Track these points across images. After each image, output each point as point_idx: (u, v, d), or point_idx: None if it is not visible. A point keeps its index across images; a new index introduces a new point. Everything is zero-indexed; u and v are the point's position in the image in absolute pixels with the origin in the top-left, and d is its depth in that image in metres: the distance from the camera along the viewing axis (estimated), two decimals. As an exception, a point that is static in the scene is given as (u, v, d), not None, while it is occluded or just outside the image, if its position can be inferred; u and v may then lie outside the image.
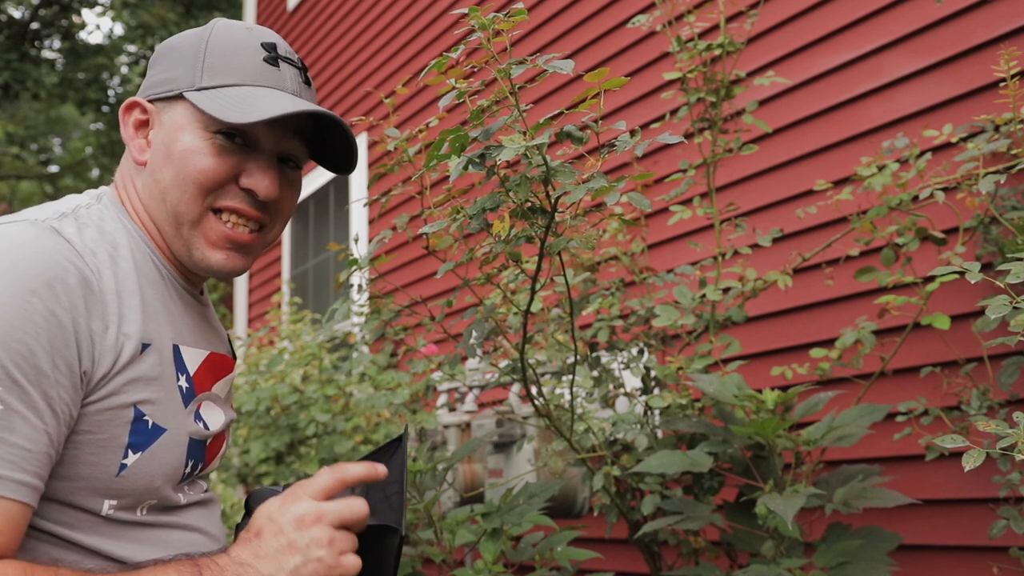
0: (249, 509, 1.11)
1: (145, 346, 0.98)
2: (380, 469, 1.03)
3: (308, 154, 1.15)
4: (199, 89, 1.05)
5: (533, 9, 3.85)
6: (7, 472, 0.86)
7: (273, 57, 1.09)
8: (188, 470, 1.05)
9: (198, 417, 1.06)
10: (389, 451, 1.10)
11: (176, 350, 1.04)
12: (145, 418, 0.97)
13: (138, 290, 1.00)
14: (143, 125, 1.09)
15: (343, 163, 1.16)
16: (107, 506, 0.96)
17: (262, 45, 1.09)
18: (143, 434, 0.97)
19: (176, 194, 1.05)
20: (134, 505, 0.99)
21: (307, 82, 1.13)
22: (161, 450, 0.99)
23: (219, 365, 1.12)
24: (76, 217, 1.00)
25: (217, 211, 1.07)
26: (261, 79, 1.07)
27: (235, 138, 1.05)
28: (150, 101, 1.09)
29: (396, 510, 1.06)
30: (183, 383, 1.04)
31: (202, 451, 1.07)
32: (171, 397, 1.01)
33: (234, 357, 1.21)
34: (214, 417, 1.10)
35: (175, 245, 1.07)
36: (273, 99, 1.05)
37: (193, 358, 1.07)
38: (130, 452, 0.96)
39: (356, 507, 0.99)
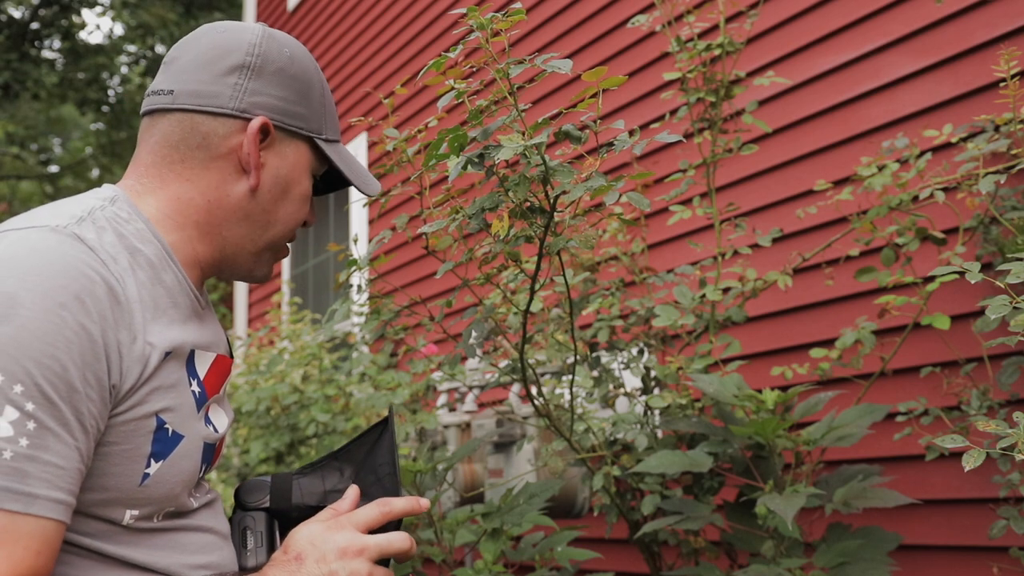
0: (240, 501, 1.11)
1: (167, 354, 0.97)
2: (424, 503, 1.08)
3: None
4: (326, 140, 1.12)
5: (533, 9, 3.85)
6: (43, 491, 0.85)
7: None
8: (201, 474, 1.05)
9: (208, 421, 1.06)
10: (376, 433, 1.11)
11: (190, 355, 1.03)
12: (166, 426, 0.97)
13: (156, 296, 0.99)
14: (260, 143, 1.07)
15: (332, 188, 1.23)
16: (128, 516, 0.96)
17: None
18: (164, 442, 0.97)
19: (283, 230, 1.11)
20: (153, 513, 0.99)
21: None
22: (180, 457, 0.99)
23: (224, 367, 1.12)
24: (93, 220, 0.97)
25: None
26: (338, 133, 1.17)
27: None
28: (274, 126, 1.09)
29: (390, 490, 1.08)
30: (195, 388, 1.03)
31: (212, 453, 1.07)
32: (187, 403, 1.01)
33: (232, 357, 1.21)
34: (220, 419, 1.10)
35: (244, 261, 1.11)
36: (359, 165, 1.17)
37: (203, 362, 1.06)
38: (152, 461, 0.96)
39: (397, 542, 1.03)
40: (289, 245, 1.17)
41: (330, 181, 1.20)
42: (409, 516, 1.06)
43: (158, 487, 0.97)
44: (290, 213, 1.11)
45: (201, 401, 1.04)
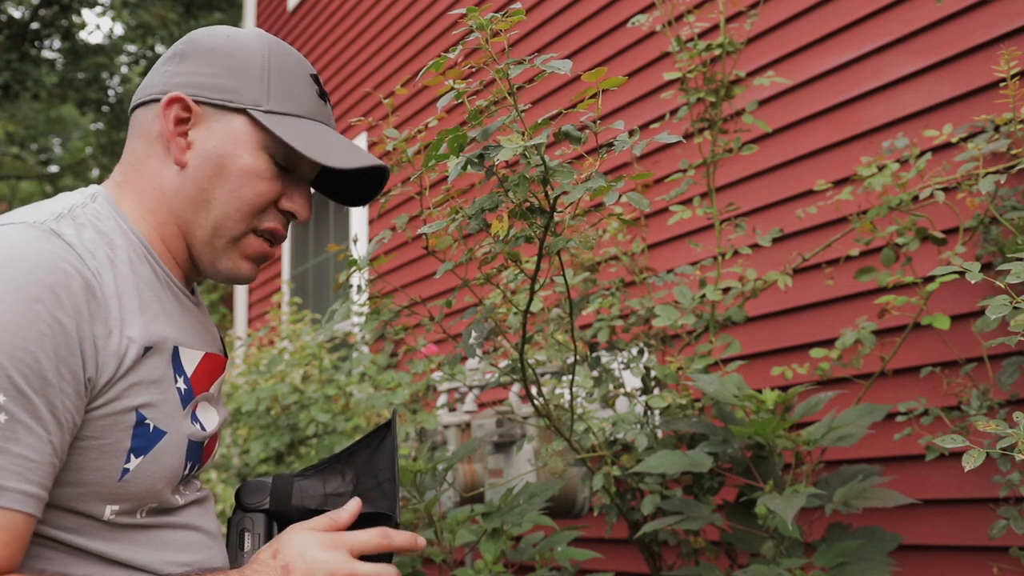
0: (240, 502, 1.11)
1: (147, 349, 0.97)
2: (421, 542, 1.05)
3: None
4: (267, 112, 1.06)
5: (533, 9, 3.85)
6: (12, 483, 0.85)
7: (321, 91, 1.12)
8: (187, 471, 1.04)
9: (195, 418, 1.05)
10: (378, 437, 1.10)
11: (175, 351, 1.03)
12: (147, 422, 0.97)
13: (137, 292, 0.99)
14: (182, 122, 1.07)
15: (358, 199, 1.19)
16: (109, 511, 0.96)
17: (311, 77, 1.11)
18: (144, 438, 0.97)
19: (226, 210, 1.06)
20: (135, 509, 0.98)
21: None
22: (162, 453, 0.99)
23: (214, 365, 1.12)
24: (73, 217, 0.98)
25: (256, 230, 1.09)
26: (317, 114, 1.10)
27: (283, 162, 1.08)
28: (195, 101, 1.06)
29: (389, 496, 1.07)
30: (181, 385, 1.03)
31: (199, 452, 1.07)
32: (170, 399, 1.01)
33: (226, 356, 1.20)
34: (210, 418, 1.09)
35: (202, 251, 1.08)
36: (338, 140, 1.09)
37: (190, 359, 1.06)
38: (132, 456, 0.96)
39: (386, 575, 1.01)
40: (269, 243, 1.11)
41: (338, 179, 1.17)
42: (404, 553, 1.05)
43: (138, 482, 0.97)
44: (231, 191, 1.05)
45: (187, 398, 1.04)
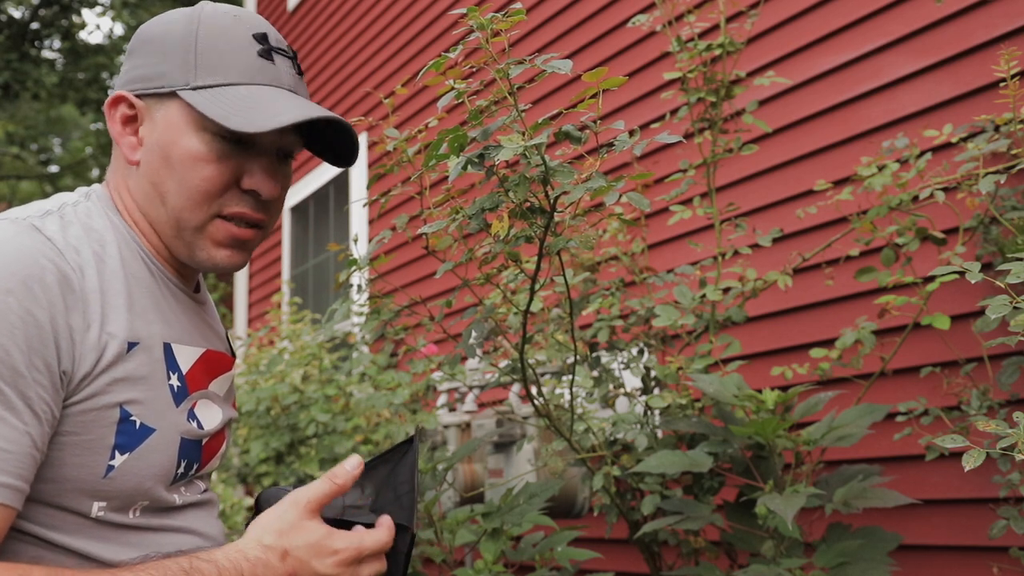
0: (258, 508, 1.10)
1: (132, 345, 0.96)
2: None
3: (302, 144, 1.12)
4: (195, 88, 1.01)
5: (533, 9, 3.85)
6: None
7: (267, 50, 1.04)
8: (181, 470, 1.03)
9: (192, 416, 1.04)
10: (401, 451, 1.10)
11: (167, 348, 1.02)
12: (132, 418, 0.96)
13: (126, 288, 0.98)
14: (131, 120, 1.05)
15: (342, 157, 1.13)
16: (96, 508, 0.95)
17: (254, 37, 1.04)
18: (130, 435, 0.96)
19: (179, 201, 1.02)
20: (125, 507, 0.97)
21: (299, 72, 1.09)
22: (150, 450, 0.98)
23: (216, 363, 1.10)
24: (61, 215, 0.98)
25: (221, 216, 1.04)
26: (258, 76, 1.03)
27: (231, 138, 1.02)
28: (137, 96, 1.04)
29: (407, 509, 1.07)
30: (175, 382, 1.02)
31: (197, 451, 1.05)
32: (160, 396, 0.99)
33: (233, 355, 1.19)
34: (210, 416, 1.08)
35: (175, 246, 1.05)
36: (277, 102, 1.01)
37: (186, 356, 1.05)
38: (117, 453, 0.95)
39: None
40: (244, 225, 1.05)
41: (322, 139, 1.11)
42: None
43: (125, 480, 0.95)
44: (179, 180, 1.01)
45: (181, 395, 1.02)
